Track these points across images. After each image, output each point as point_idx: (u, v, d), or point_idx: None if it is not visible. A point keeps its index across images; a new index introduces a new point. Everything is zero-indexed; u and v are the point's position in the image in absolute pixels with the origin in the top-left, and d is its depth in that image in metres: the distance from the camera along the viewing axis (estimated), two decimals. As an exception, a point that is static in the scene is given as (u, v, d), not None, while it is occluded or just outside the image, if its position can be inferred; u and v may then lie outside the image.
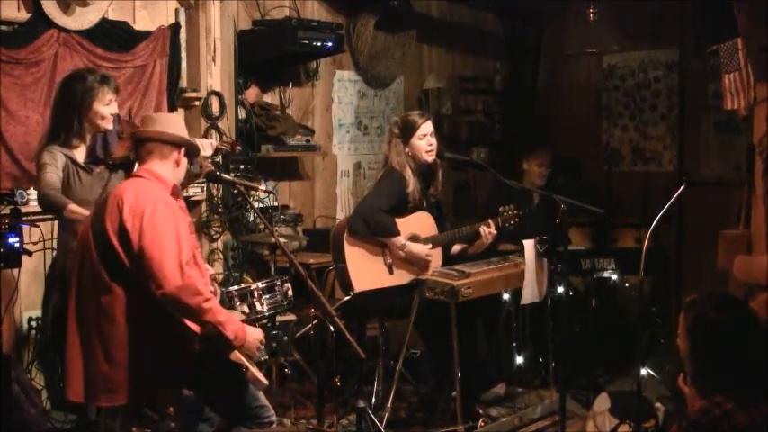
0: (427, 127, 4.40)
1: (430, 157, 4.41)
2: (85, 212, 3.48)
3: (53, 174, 3.64)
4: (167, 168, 3.24)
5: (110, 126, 3.79)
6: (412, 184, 4.37)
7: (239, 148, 4.43)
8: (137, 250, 3.00)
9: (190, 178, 3.95)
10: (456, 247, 4.63)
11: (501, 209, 4.49)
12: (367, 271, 4.33)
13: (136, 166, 3.32)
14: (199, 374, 3.17)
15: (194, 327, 3.12)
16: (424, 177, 4.47)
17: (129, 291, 3.06)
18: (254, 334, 3.20)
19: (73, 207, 3.57)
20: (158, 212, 3.04)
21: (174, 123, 3.32)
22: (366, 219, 4.29)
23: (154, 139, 3.22)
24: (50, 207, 3.67)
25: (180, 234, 3.07)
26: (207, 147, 3.97)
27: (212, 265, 5.09)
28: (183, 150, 3.27)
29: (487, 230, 4.44)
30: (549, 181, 5.65)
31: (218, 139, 4.27)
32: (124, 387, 3.08)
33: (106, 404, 3.14)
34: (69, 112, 3.72)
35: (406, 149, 4.39)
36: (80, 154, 3.78)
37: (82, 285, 3.16)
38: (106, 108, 3.75)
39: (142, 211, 3.02)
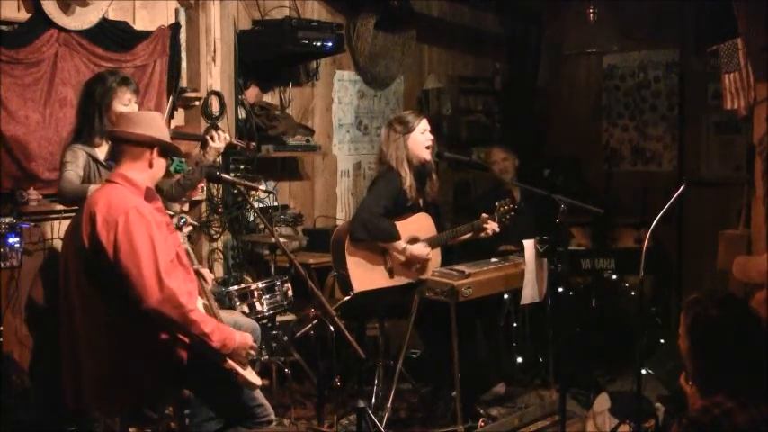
0: (426, 123, 4.47)
1: (428, 153, 4.43)
2: None
3: (72, 172, 3.75)
4: (140, 170, 3.17)
5: None
6: (408, 180, 4.38)
7: (254, 144, 4.45)
8: (113, 263, 2.97)
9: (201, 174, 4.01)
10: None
11: (497, 203, 4.57)
12: (368, 279, 4.34)
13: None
14: (193, 376, 3.16)
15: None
16: (419, 177, 4.48)
17: (113, 298, 3.03)
18: (242, 339, 3.15)
19: (93, 187, 3.63)
20: (131, 222, 2.99)
21: (147, 122, 3.22)
22: (366, 224, 4.30)
23: (123, 139, 3.18)
24: (74, 199, 3.71)
25: (155, 241, 3.01)
26: (220, 139, 4.01)
27: (212, 266, 5.09)
28: (155, 150, 3.18)
29: (491, 223, 4.50)
30: (549, 181, 5.65)
31: (234, 136, 4.30)
32: (114, 393, 3.06)
33: (97, 411, 3.12)
34: (91, 112, 3.85)
35: (406, 145, 4.41)
36: (102, 152, 3.88)
37: (68, 293, 3.15)
38: (125, 108, 3.84)
39: (115, 223, 2.98)
